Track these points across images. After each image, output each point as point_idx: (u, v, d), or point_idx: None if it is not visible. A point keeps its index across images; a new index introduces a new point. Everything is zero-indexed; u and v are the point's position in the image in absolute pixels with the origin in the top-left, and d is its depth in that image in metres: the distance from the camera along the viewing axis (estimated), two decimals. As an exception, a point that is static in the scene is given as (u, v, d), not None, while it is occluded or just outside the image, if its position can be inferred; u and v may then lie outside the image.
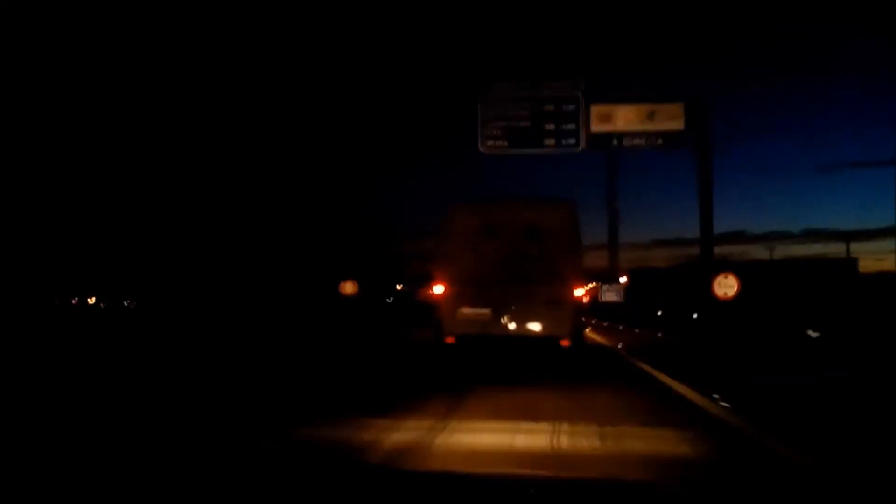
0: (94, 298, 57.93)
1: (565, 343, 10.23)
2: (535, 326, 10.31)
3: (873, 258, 76.12)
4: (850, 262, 52.01)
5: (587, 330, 18.01)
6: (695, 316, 24.56)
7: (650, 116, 17.94)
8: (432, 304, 11.23)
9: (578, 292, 10.59)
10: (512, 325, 10.30)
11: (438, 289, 10.73)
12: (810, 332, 18.48)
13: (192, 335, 20.68)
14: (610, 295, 36.59)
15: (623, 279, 37.72)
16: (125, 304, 57.29)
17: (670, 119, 18.02)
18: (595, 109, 17.97)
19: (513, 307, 10.32)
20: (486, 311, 10.37)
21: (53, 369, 11.60)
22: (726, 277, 16.16)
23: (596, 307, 33.04)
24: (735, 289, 15.97)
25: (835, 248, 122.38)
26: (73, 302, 56.34)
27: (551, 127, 18.07)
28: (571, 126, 18.07)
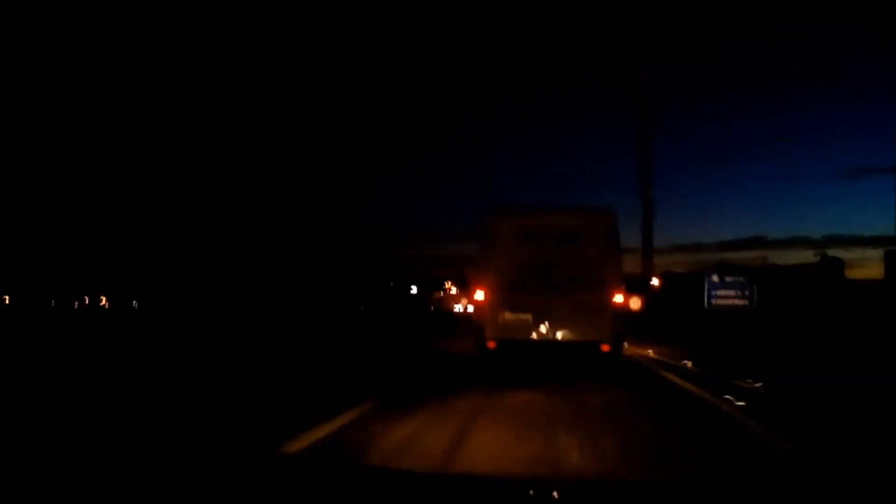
0: (104, 300, 57.75)
1: (605, 348, 10.50)
2: (575, 332, 10.59)
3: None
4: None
5: None
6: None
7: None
8: (473, 310, 11.75)
9: (618, 298, 10.85)
10: (552, 331, 10.63)
11: (480, 295, 11.14)
12: None
13: (197, 335, 20.18)
14: (728, 297, 21.34)
15: (655, 281, 24.53)
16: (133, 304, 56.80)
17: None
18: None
19: (553, 313, 10.60)
20: (527, 316, 10.69)
21: (51, 372, 10.98)
22: None
23: (695, 323, 17.85)
24: None
25: (855, 254, 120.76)
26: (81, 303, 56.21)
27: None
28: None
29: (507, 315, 10.73)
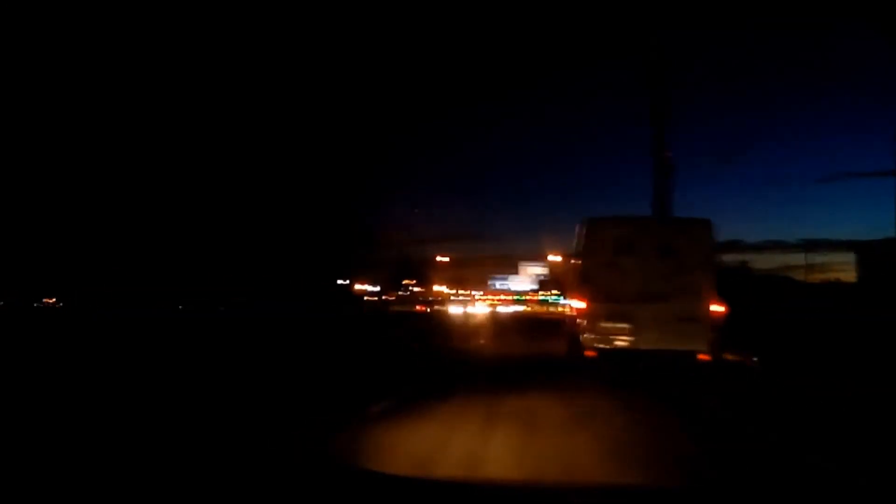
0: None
1: (704, 357, 10.48)
2: (673, 342, 10.57)
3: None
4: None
5: None
6: None
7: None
8: (570, 318, 11.78)
9: (716, 308, 10.85)
10: (651, 341, 10.61)
11: (578, 303, 11.08)
12: None
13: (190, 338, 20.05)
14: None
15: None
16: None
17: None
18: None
19: (651, 323, 10.58)
20: (625, 325, 10.68)
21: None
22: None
23: None
24: None
25: (831, 258, 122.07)
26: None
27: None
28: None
29: (605, 324, 10.73)
